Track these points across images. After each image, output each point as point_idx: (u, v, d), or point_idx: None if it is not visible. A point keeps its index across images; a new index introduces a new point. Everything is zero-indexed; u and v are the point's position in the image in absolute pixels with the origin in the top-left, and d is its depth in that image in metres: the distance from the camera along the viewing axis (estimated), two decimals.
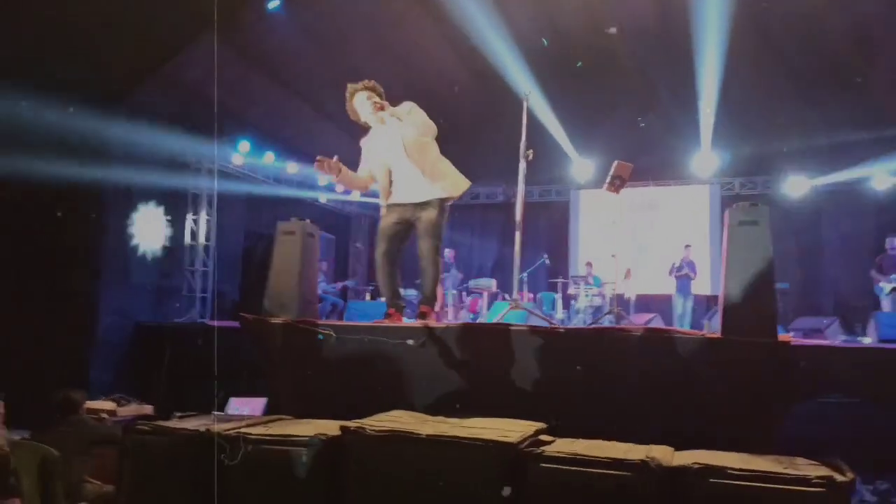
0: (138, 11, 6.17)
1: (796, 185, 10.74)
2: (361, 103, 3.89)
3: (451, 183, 3.88)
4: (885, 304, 8.29)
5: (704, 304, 10.57)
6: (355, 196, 11.78)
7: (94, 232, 7.10)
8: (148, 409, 4.57)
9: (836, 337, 7.41)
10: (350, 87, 3.95)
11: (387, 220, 3.93)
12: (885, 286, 8.33)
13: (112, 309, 7.10)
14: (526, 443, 2.57)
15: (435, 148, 3.92)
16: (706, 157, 10.88)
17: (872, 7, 8.38)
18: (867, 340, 6.33)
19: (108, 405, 4.63)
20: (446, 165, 3.94)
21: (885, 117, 10.03)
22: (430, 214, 3.82)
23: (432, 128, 3.86)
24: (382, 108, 3.82)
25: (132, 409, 4.63)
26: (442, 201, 3.86)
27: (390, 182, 3.93)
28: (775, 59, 9.80)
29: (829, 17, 8.79)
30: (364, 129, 4.04)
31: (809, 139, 10.61)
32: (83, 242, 6.89)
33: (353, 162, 4.08)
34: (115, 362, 6.74)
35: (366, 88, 3.92)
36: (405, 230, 3.94)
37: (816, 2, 8.60)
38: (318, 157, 3.79)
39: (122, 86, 7.00)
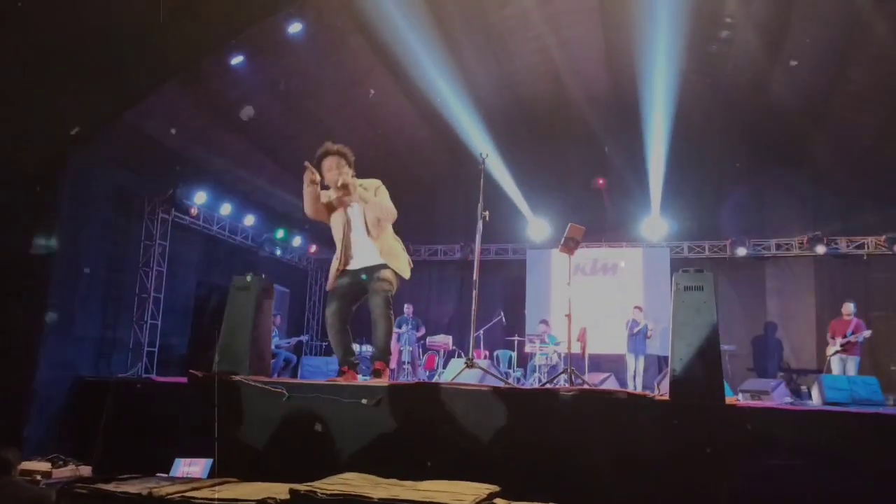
0: (100, 59, 6.17)
1: (742, 251, 11.18)
2: (328, 168, 3.94)
3: (401, 266, 3.97)
4: (834, 367, 8.58)
5: (656, 364, 10.74)
6: (312, 250, 11.73)
7: (38, 279, 6.84)
8: (86, 470, 4.32)
9: (782, 399, 7.60)
10: (322, 148, 3.99)
11: (339, 282, 3.96)
12: (830, 349, 8.66)
13: (52, 361, 6.78)
14: None
15: (390, 230, 4.01)
16: (656, 222, 11.27)
17: (813, 81, 8.97)
18: (813, 403, 6.51)
19: (42, 466, 4.37)
20: (399, 247, 4.04)
21: (826, 188, 10.64)
22: (382, 273, 3.87)
23: (393, 214, 3.95)
24: (346, 190, 3.86)
25: (69, 470, 4.38)
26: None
27: (345, 253, 3.97)
28: (719, 129, 10.38)
29: (775, 91, 9.37)
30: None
31: (754, 207, 11.16)
32: (25, 289, 6.62)
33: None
34: (53, 419, 6.40)
35: (336, 154, 3.96)
36: (358, 291, 3.97)
37: (761, 76, 9.18)
38: (306, 162, 3.84)
39: (80, 131, 6.90)
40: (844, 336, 8.60)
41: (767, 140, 10.66)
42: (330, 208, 4.05)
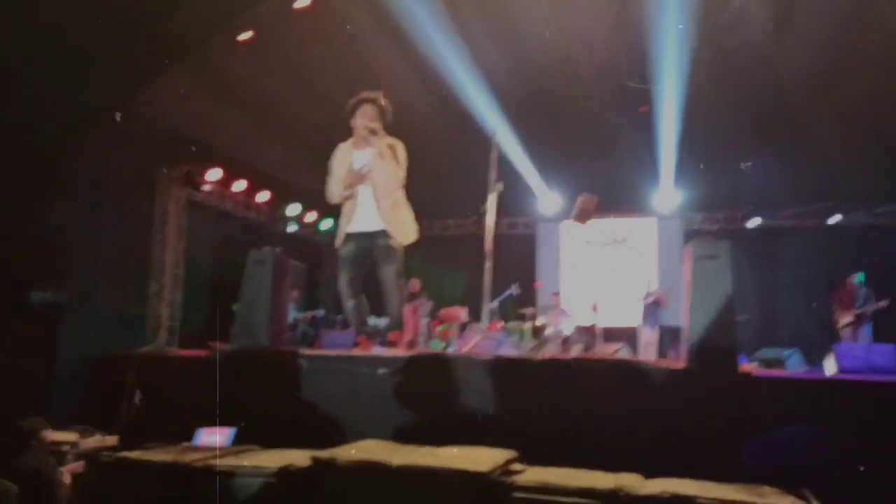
0: (106, 40, 6.17)
1: (756, 221, 11.10)
2: (366, 112, 3.92)
3: (402, 232, 3.97)
4: (845, 336, 8.57)
5: (669, 335, 10.75)
6: (326, 226, 11.77)
7: (57, 258, 6.95)
8: (112, 440, 4.43)
9: (796, 367, 7.60)
10: (362, 95, 3.97)
11: (346, 249, 4.00)
12: (842, 319, 8.64)
13: (73, 338, 6.91)
14: (497, 471, 2.59)
15: (400, 195, 4.00)
16: (668, 192, 11.20)
17: (826, 55, 8.82)
18: (829, 371, 6.51)
19: (70, 436, 4.49)
20: (404, 212, 4.02)
21: (837, 162, 10.49)
22: (387, 241, 3.89)
23: (402, 180, 3.96)
24: (374, 133, 3.86)
25: (95, 440, 4.50)
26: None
27: (353, 206, 3.97)
28: (733, 99, 10.22)
29: (784, 64, 9.23)
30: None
31: (768, 177, 11.03)
32: (45, 268, 6.73)
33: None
34: (77, 393, 6.54)
35: (369, 103, 3.94)
36: (365, 257, 3.99)
37: (770, 49, 9.03)
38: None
39: (89, 111, 6.94)
40: (853, 306, 8.58)
41: (780, 110, 10.49)
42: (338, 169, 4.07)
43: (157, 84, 7.33)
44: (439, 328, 9.88)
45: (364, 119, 3.90)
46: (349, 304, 4.00)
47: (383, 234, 3.90)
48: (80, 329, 7.14)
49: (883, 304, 8.54)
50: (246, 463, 2.79)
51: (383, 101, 3.96)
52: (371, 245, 3.93)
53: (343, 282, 3.99)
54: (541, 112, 10.85)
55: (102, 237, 7.54)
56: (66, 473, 3.75)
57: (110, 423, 5.48)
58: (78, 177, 7.03)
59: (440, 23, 8.22)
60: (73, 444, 4.41)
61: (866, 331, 8.53)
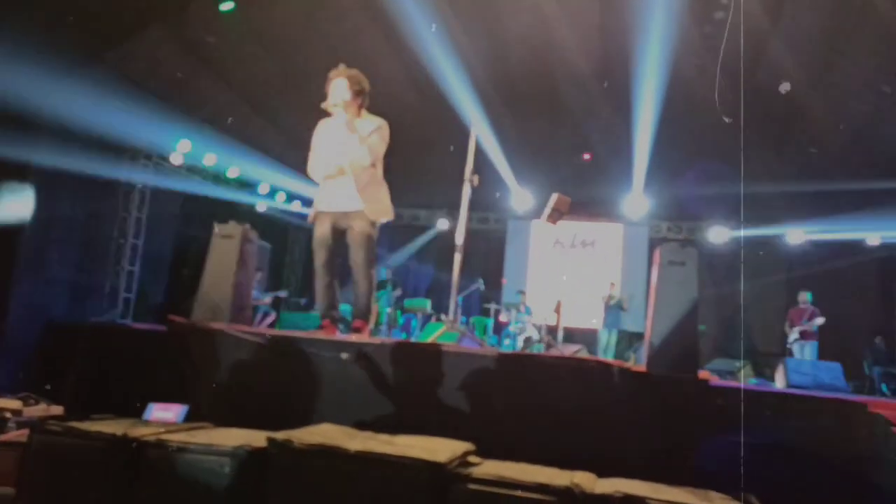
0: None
1: (718, 234, 11.35)
2: (334, 88, 3.86)
3: (376, 209, 3.91)
4: (795, 352, 8.86)
5: (627, 339, 10.94)
6: (295, 206, 11.62)
7: (10, 222, 6.69)
8: (58, 409, 4.30)
9: (747, 380, 7.82)
10: (335, 70, 3.90)
11: (321, 230, 3.93)
12: (790, 336, 8.93)
13: (23, 303, 6.68)
14: (454, 463, 2.59)
15: (377, 172, 3.94)
16: (637, 199, 11.37)
17: (798, 68, 9.02)
18: (777, 385, 6.70)
19: (13, 404, 4.33)
20: (380, 191, 3.96)
21: (803, 175, 10.77)
22: (361, 225, 3.85)
23: (378, 156, 3.91)
24: (338, 106, 3.81)
25: (40, 408, 4.35)
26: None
27: (325, 181, 3.94)
28: (705, 112, 10.38)
29: (757, 76, 9.41)
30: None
31: (733, 190, 11.26)
32: None
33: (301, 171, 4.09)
34: (25, 361, 6.33)
35: (344, 77, 3.87)
36: (339, 238, 3.94)
37: (747, 61, 9.19)
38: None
39: (58, 69, 6.69)
40: (801, 323, 8.90)
41: (754, 124, 10.71)
42: (316, 148, 4.04)
43: (134, 46, 7.10)
44: (402, 318, 9.88)
45: (333, 95, 3.84)
46: (321, 285, 3.94)
47: (358, 215, 3.85)
48: (32, 294, 6.91)
49: (820, 320, 8.87)
50: (199, 440, 2.73)
51: (353, 74, 3.89)
52: (346, 226, 3.88)
53: (318, 263, 3.93)
54: (519, 110, 10.88)
55: (62, 203, 7.30)
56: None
57: (57, 393, 5.32)
58: (42, 134, 6.77)
59: (425, 9, 8.16)
60: (16, 412, 4.26)
61: (812, 347, 8.85)
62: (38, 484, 2.77)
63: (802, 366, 6.92)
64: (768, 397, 4.14)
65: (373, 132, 3.85)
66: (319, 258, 3.91)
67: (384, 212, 3.95)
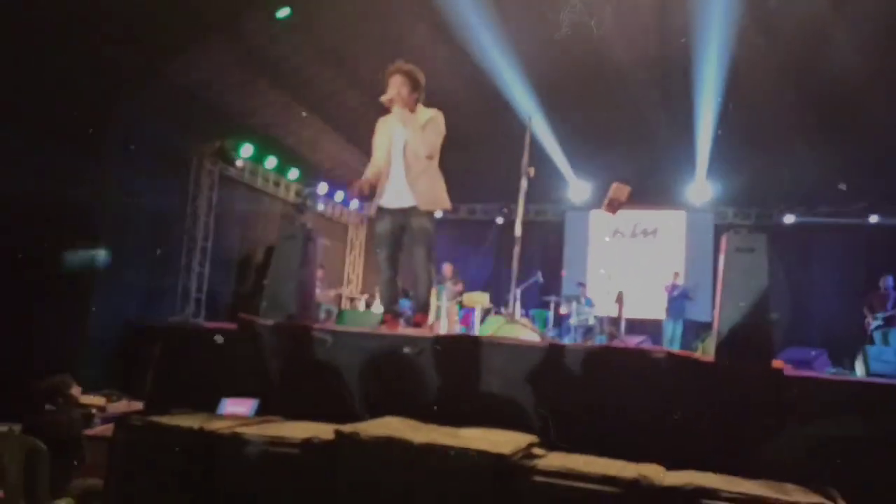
0: (142, 12, 6.22)
1: (789, 218, 10.87)
2: (391, 84, 3.92)
3: (430, 199, 3.92)
4: (877, 340, 8.41)
5: (693, 330, 10.63)
6: (353, 205, 11.83)
7: (89, 228, 7.08)
8: (138, 405, 4.54)
9: (823, 369, 7.47)
10: (392, 66, 3.97)
11: (382, 225, 3.98)
12: (873, 322, 8.46)
13: (104, 306, 7.06)
14: (518, 455, 2.59)
15: (432, 163, 3.96)
16: (700, 185, 11.02)
17: (867, 49, 8.54)
18: (857, 374, 6.39)
19: (98, 401, 4.61)
20: (434, 181, 3.96)
21: (877, 160, 10.20)
22: (420, 222, 3.88)
23: (435, 148, 3.92)
24: (393, 102, 3.87)
25: (123, 405, 4.62)
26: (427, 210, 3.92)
27: (387, 177, 3.98)
28: (773, 95, 9.96)
29: (826, 57, 8.96)
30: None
31: (804, 174, 10.77)
32: (78, 237, 6.86)
33: (359, 171, 4.16)
34: (106, 359, 6.71)
35: (400, 73, 3.93)
36: (401, 234, 3.99)
37: (814, 40, 8.76)
38: (350, 182, 3.91)
39: (123, 82, 7.01)
40: (884, 309, 8.40)
41: (823, 106, 10.20)
42: (377, 140, 4.10)
43: (192, 57, 7.38)
44: (462, 311, 9.89)
45: (390, 90, 3.90)
46: (384, 280, 4.01)
47: (415, 211, 3.88)
48: (113, 297, 7.30)
49: None
50: (270, 433, 2.82)
51: (409, 69, 3.93)
52: (405, 222, 3.92)
53: (382, 257, 4.00)
54: (575, 100, 10.70)
55: (135, 208, 7.67)
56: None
57: (136, 390, 5.61)
58: (113, 147, 7.13)
59: (477, 5, 8.13)
60: (101, 409, 4.53)
61: (895, 334, 8.36)
62: (123, 475, 2.93)
63: (884, 353, 6.56)
64: (848, 386, 3.95)
65: (427, 123, 3.88)
66: (383, 253, 3.98)
67: (439, 202, 3.96)
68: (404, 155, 3.88)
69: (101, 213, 7.19)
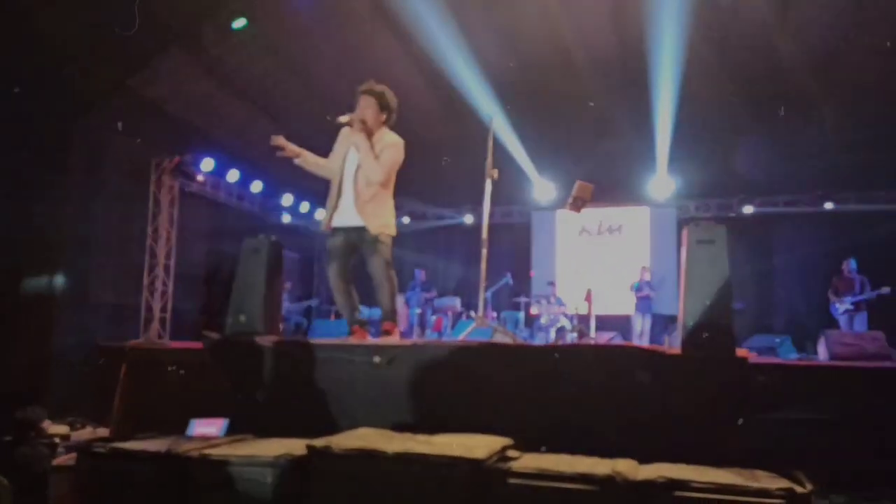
0: (101, 26, 6.10)
1: (749, 208, 11.13)
2: (360, 104, 3.92)
3: (376, 224, 3.90)
4: (842, 324, 8.62)
5: (662, 323, 10.80)
6: (319, 215, 11.73)
7: (51, 248, 6.89)
8: (104, 432, 4.41)
9: (788, 355, 7.65)
10: (362, 86, 3.96)
11: (333, 241, 4.01)
12: (840, 306, 8.68)
13: (67, 328, 6.87)
14: (493, 458, 2.59)
15: (382, 192, 3.93)
16: (662, 180, 11.20)
17: (825, 38, 8.81)
18: (819, 358, 6.54)
19: (61, 429, 4.46)
20: (382, 208, 3.94)
21: (835, 145, 10.52)
22: (372, 235, 3.88)
23: (387, 176, 3.91)
24: (363, 124, 3.87)
25: (87, 432, 4.47)
26: None
27: (338, 194, 3.96)
28: (729, 87, 10.20)
29: (782, 48, 9.21)
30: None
31: (762, 164, 11.04)
32: (39, 258, 6.68)
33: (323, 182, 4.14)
34: (70, 385, 6.51)
35: (371, 93, 3.93)
36: (352, 249, 4.00)
37: (770, 32, 9.00)
38: (274, 137, 3.93)
39: (85, 98, 6.86)
40: (851, 293, 8.61)
41: (776, 97, 10.49)
42: (335, 152, 4.10)
43: (153, 70, 7.25)
44: (433, 317, 9.90)
45: (359, 109, 3.89)
46: (338, 294, 4.01)
47: (364, 229, 3.89)
48: (75, 319, 7.10)
49: (886, 290, 8.55)
50: (241, 452, 2.77)
51: (380, 90, 3.92)
52: (358, 238, 3.92)
53: (332, 273, 4.00)
54: (535, 100, 10.80)
55: (97, 227, 7.50)
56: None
57: (102, 415, 5.46)
58: (72, 166, 6.97)
59: (436, 9, 8.15)
60: (65, 437, 4.38)
61: (863, 318, 8.58)
62: None
63: (845, 337, 6.72)
64: (811, 371, 4.06)
65: (384, 149, 3.88)
66: (333, 267, 3.99)
67: (385, 228, 3.95)
68: (355, 179, 3.89)
69: (63, 231, 7.01)
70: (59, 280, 6.94)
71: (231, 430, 3.49)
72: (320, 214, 11.68)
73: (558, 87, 10.79)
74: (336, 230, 3.99)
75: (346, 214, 3.95)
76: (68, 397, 6.45)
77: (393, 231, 4.01)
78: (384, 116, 3.96)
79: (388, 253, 3.94)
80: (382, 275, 3.88)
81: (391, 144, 3.92)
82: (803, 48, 9.11)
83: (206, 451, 2.77)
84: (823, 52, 9.06)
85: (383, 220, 3.94)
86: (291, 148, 4.00)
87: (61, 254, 7.02)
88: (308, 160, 4.09)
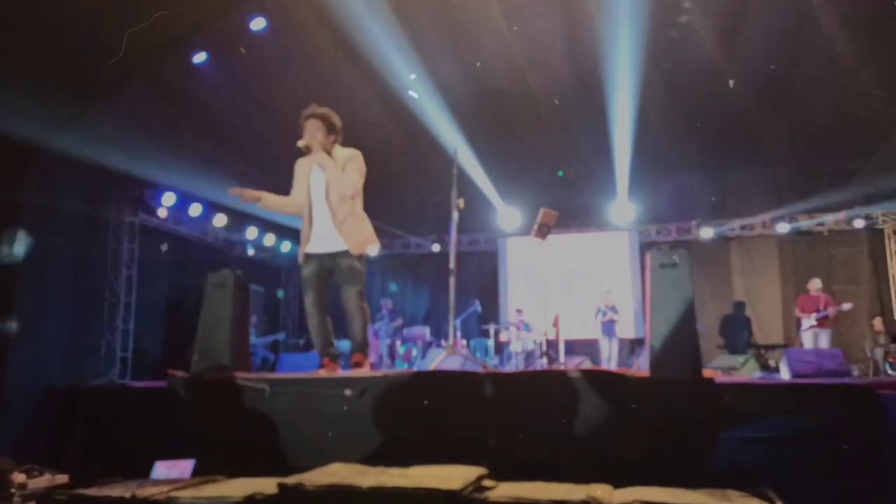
0: (58, 58, 6.02)
1: (707, 232, 11.43)
2: (307, 128, 3.93)
3: (358, 242, 3.90)
4: (806, 341, 8.85)
5: (629, 346, 10.94)
6: (285, 248, 11.62)
7: (3, 286, 6.65)
8: (62, 479, 4.22)
9: (751, 374, 7.82)
10: (306, 111, 3.96)
11: (308, 270, 3.95)
12: (805, 323, 8.91)
13: (21, 370, 6.60)
14: (469, 488, 2.57)
15: (357, 205, 3.96)
16: (623, 206, 11.46)
17: (768, 64, 9.23)
18: (782, 376, 6.70)
19: (17, 477, 4.25)
20: (360, 222, 3.95)
21: (785, 168, 10.94)
22: (349, 262, 3.87)
23: (357, 187, 3.92)
24: (310, 148, 3.89)
25: (45, 479, 4.26)
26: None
27: (310, 223, 3.95)
28: (682, 113, 10.57)
29: (727, 76, 9.60)
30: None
31: (717, 187, 11.41)
32: None
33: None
34: (25, 430, 6.23)
35: (316, 117, 3.93)
36: (328, 276, 3.96)
37: (715, 62, 9.39)
38: (231, 189, 3.86)
39: (41, 132, 6.72)
40: (816, 311, 8.85)
41: (728, 123, 10.90)
42: (297, 186, 4.08)
43: (108, 105, 7.15)
44: (402, 348, 9.83)
45: (306, 135, 3.91)
46: (313, 324, 3.95)
47: (345, 254, 3.87)
48: (29, 360, 6.83)
49: (847, 306, 8.81)
50: (208, 494, 2.69)
51: (324, 112, 3.95)
52: (333, 265, 3.90)
53: (308, 302, 3.94)
54: (498, 130, 11.01)
55: (51, 263, 7.26)
56: None
57: (59, 461, 5.24)
58: (26, 201, 6.78)
59: (399, 44, 8.28)
60: (21, 486, 4.18)
61: (826, 335, 8.81)
62: None
63: (805, 355, 6.91)
64: (774, 389, 4.15)
65: (347, 163, 3.89)
66: (309, 297, 3.93)
67: (367, 242, 3.94)
68: (327, 199, 3.87)
69: (17, 268, 6.77)
70: (11, 320, 6.68)
71: (198, 472, 3.39)
72: (286, 247, 11.59)
73: (520, 116, 11.04)
74: (309, 257, 3.94)
75: (321, 240, 3.91)
76: (22, 443, 6.17)
77: (376, 241, 4.00)
78: (332, 137, 3.97)
79: (363, 283, 3.91)
80: (355, 306, 3.86)
81: (351, 157, 3.93)
82: (750, 74, 9.52)
83: (173, 494, 2.68)
84: (769, 79, 9.48)
85: (363, 236, 3.92)
86: (250, 193, 3.97)
87: (13, 293, 6.77)
88: (269, 201, 4.06)
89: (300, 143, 3.91)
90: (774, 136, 10.77)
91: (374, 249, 4.01)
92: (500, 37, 9.40)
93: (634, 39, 8.58)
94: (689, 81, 9.96)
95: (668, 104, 10.36)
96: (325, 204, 3.88)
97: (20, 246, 6.46)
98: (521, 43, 9.54)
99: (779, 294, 11.03)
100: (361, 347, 3.94)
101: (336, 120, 3.99)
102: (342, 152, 3.96)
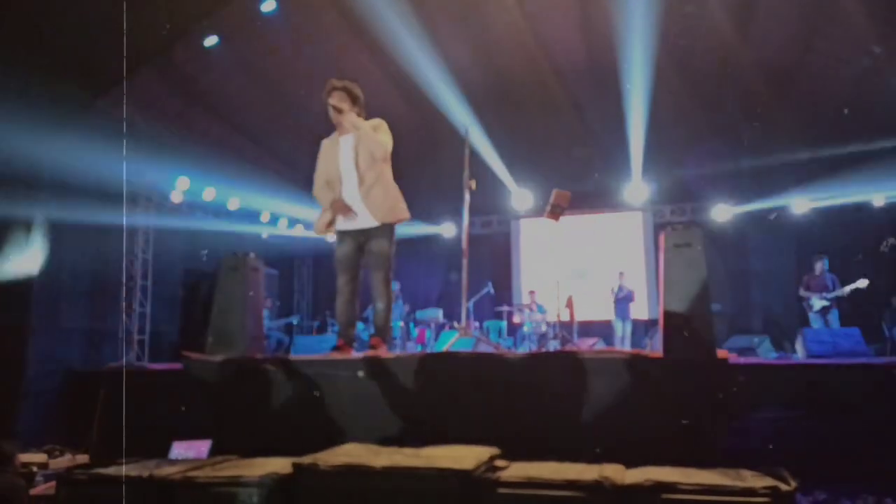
0: (73, 44, 6.03)
1: (722, 212, 11.30)
2: (332, 101, 3.87)
3: (386, 209, 3.83)
4: (814, 321, 8.75)
5: (642, 327, 10.89)
6: (298, 231, 11.66)
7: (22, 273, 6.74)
8: (83, 459, 4.31)
9: (767, 354, 7.76)
10: (327, 86, 3.90)
11: (342, 249, 3.90)
12: (815, 303, 8.80)
13: (41, 355, 6.72)
14: (481, 468, 2.58)
15: (386, 171, 3.91)
16: (637, 186, 11.35)
17: (781, 43, 9.05)
18: (797, 357, 6.65)
19: (39, 457, 4.35)
20: (390, 191, 3.88)
21: (798, 145, 10.75)
22: (379, 244, 3.81)
23: (387, 149, 3.86)
24: (340, 112, 3.82)
25: (66, 460, 4.37)
26: (389, 227, 3.87)
27: (339, 194, 3.88)
28: (696, 92, 10.41)
29: (742, 54, 9.43)
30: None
31: (732, 167, 11.25)
32: (9, 283, 6.53)
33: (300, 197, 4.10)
34: (47, 412, 6.36)
35: (337, 89, 3.88)
36: (360, 256, 3.92)
37: (730, 39, 9.22)
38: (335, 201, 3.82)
39: (57, 119, 6.76)
40: (822, 290, 8.74)
41: (745, 100, 10.72)
42: (321, 165, 4.01)
43: (120, 91, 7.17)
44: (416, 330, 9.87)
45: (333, 108, 3.86)
46: (341, 301, 3.91)
47: (375, 231, 3.81)
48: (49, 345, 6.95)
49: (863, 283, 8.63)
50: (225, 473, 2.73)
51: (346, 84, 3.90)
52: (364, 243, 3.85)
53: (340, 281, 3.90)
54: (510, 110, 10.91)
55: (69, 249, 7.35)
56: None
57: (80, 441, 5.34)
58: (43, 187, 6.85)
59: (409, 24, 8.19)
60: (42, 465, 4.27)
61: (834, 315, 8.72)
62: None
63: (821, 335, 6.83)
64: (788, 370, 4.13)
65: (377, 127, 3.87)
66: (342, 278, 3.89)
67: (396, 212, 3.87)
68: (356, 165, 3.80)
69: (34, 255, 6.86)
70: (31, 306, 6.78)
71: (215, 452, 3.44)
72: (298, 230, 11.62)
73: (532, 97, 10.93)
74: (343, 235, 3.90)
75: (353, 216, 3.85)
76: (44, 425, 6.30)
77: (405, 214, 3.90)
78: (357, 109, 3.92)
79: (389, 266, 3.83)
80: (381, 291, 3.84)
81: (379, 124, 3.90)
82: (769, 49, 9.34)
83: (190, 474, 2.72)
84: (786, 55, 9.30)
85: (390, 203, 3.84)
86: (341, 206, 3.86)
87: (32, 279, 6.86)
88: (323, 193, 3.98)
89: (333, 116, 3.83)
90: (790, 115, 10.57)
91: (403, 218, 3.91)
92: (511, 16, 9.27)
93: (648, 17, 8.43)
94: (704, 59, 9.80)
95: (682, 82, 10.20)
96: (354, 171, 3.81)
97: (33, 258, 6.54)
98: (533, 22, 9.41)
99: (794, 274, 10.89)
100: (381, 332, 3.94)
101: (358, 91, 3.94)
102: (369, 122, 3.93)
